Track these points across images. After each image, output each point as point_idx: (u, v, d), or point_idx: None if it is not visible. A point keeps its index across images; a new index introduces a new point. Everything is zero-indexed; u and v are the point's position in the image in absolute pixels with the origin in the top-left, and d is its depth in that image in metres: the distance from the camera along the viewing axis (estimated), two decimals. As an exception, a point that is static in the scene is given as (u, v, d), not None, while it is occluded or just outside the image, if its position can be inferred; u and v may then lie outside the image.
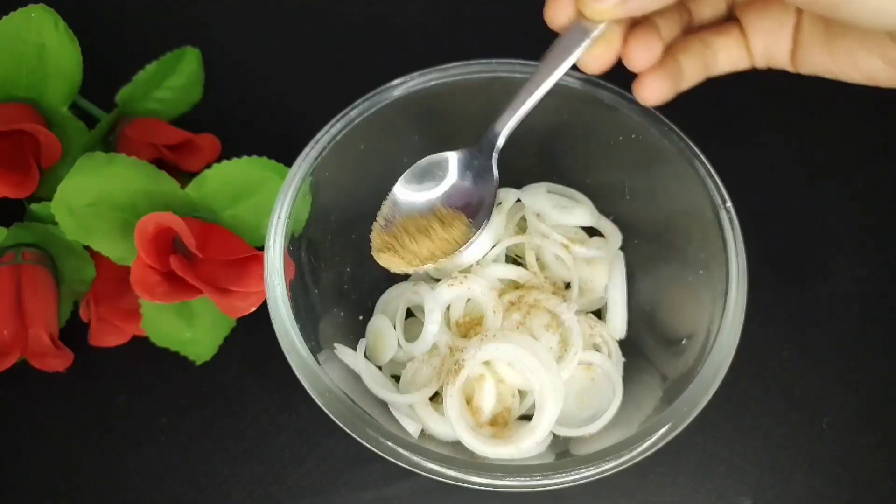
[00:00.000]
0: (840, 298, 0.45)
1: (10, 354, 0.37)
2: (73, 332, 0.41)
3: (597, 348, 0.39)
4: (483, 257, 0.40)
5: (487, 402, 0.36)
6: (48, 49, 0.40)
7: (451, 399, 0.35)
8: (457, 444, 0.35)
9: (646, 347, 0.39)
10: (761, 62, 0.32)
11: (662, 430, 0.31)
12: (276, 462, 0.40)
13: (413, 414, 0.36)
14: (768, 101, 0.51)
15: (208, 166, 0.39)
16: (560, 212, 0.41)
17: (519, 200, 0.42)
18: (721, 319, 0.33)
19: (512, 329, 0.37)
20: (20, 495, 0.40)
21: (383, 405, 0.36)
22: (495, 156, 0.34)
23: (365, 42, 0.54)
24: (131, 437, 0.41)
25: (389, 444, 0.30)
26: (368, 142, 0.37)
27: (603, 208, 0.42)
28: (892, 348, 0.44)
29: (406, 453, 0.30)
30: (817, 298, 0.45)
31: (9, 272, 0.39)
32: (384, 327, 0.39)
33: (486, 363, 0.36)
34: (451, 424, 0.35)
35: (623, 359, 0.39)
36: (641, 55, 0.29)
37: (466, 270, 0.40)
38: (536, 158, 0.42)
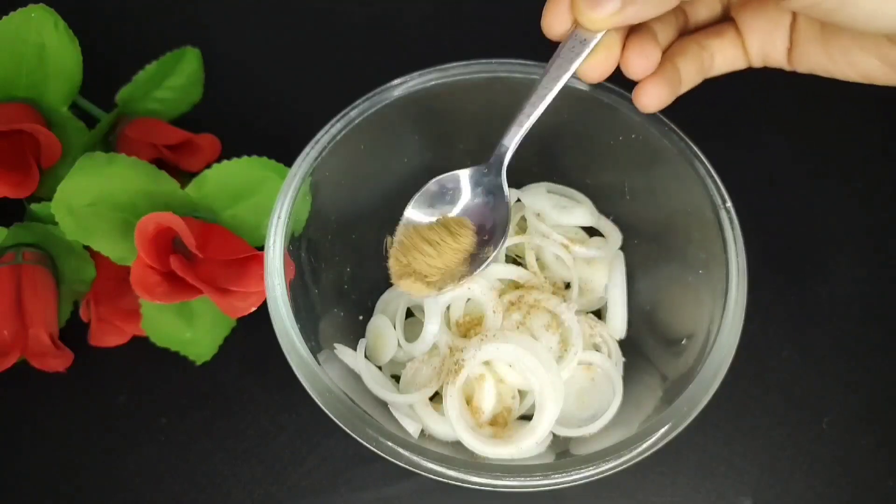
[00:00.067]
0: (840, 298, 0.45)
1: (10, 354, 0.37)
2: (73, 332, 0.41)
3: (597, 348, 0.39)
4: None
5: (487, 402, 0.36)
6: (48, 49, 0.40)
7: (451, 399, 0.35)
8: (457, 444, 0.35)
9: (646, 347, 0.39)
10: (758, 62, 0.32)
11: (662, 430, 0.31)
12: (276, 462, 0.40)
13: (413, 414, 0.36)
14: (768, 102, 0.51)
15: (208, 166, 0.39)
16: (560, 212, 0.41)
17: (519, 200, 0.42)
18: (721, 319, 0.33)
19: (512, 329, 0.37)
20: (20, 495, 0.40)
21: (383, 405, 0.36)
22: (504, 172, 0.34)
23: (365, 42, 0.54)
24: (131, 437, 0.41)
25: (389, 444, 0.30)
26: (368, 142, 0.37)
27: (603, 208, 0.42)
28: (892, 348, 0.44)
29: (406, 453, 0.30)
30: (817, 298, 0.45)
31: (9, 272, 0.39)
32: (384, 327, 0.39)
33: (486, 363, 0.36)
34: (451, 424, 0.35)
35: (623, 359, 0.39)
36: (640, 63, 0.30)
37: (466, 270, 0.40)
38: (536, 158, 0.42)
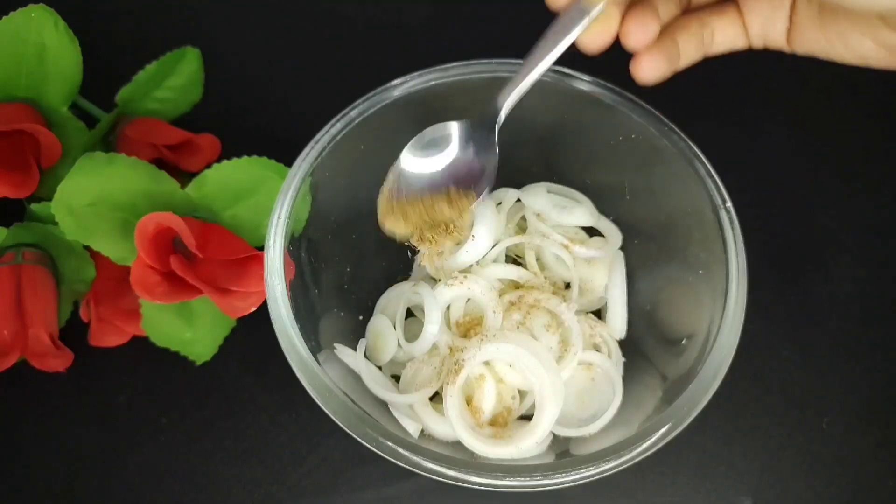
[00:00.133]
0: (840, 298, 0.45)
1: (10, 354, 0.37)
2: (73, 332, 0.41)
3: (597, 348, 0.39)
4: (483, 257, 0.40)
5: (487, 402, 0.36)
6: (48, 49, 0.40)
7: (451, 399, 0.35)
8: (457, 444, 0.35)
9: (646, 347, 0.39)
10: (758, 42, 0.32)
11: (662, 430, 0.31)
12: (276, 462, 0.40)
13: (413, 414, 0.36)
14: (769, 101, 0.51)
15: (208, 166, 0.39)
16: (560, 212, 0.41)
17: (519, 200, 0.42)
18: (721, 319, 0.33)
19: (512, 329, 0.37)
20: (20, 495, 0.40)
21: (383, 405, 0.36)
22: (496, 129, 0.34)
23: (365, 42, 0.54)
24: (131, 437, 0.41)
25: (389, 444, 0.30)
26: (368, 142, 0.38)
27: (603, 208, 0.42)
28: (892, 348, 0.44)
29: (406, 453, 0.30)
30: (817, 298, 0.45)
31: (9, 272, 0.39)
32: (384, 327, 0.39)
33: (486, 363, 0.36)
34: (451, 424, 0.35)
35: (623, 359, 0.39)
36: (638, 34, 0.30)
37: (466, 270, 0.40)
38: (536, 158, 0.42)
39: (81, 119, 0.43)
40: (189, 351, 0.41)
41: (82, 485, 0.40)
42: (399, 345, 0.39)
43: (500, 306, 0.38)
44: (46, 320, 0.39)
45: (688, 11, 0.33)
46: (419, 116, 0.38)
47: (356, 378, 0.36)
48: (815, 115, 0.51)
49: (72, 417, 0.41)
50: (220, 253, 0.37)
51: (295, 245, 0.35)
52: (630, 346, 0.40)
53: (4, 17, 0.39)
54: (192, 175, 0.40)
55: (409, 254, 0.43)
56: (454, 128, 0.35)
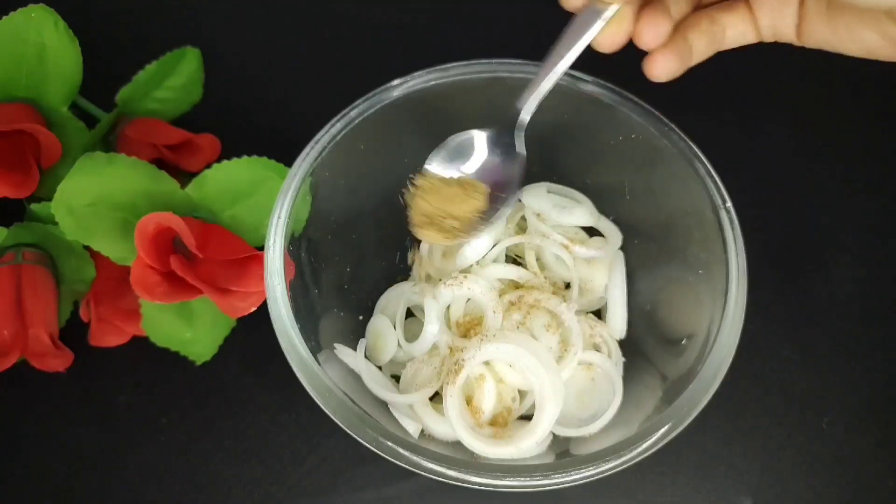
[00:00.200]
0: (840, 298, 0.45)
1: (10, 354, 0.37)
2: (73, 332, 0.41)
3: (597, 348, 0.39)
4: (483, 257, 0.40)
5: (487, 402, 0.36)
6: (48, 49, 0.40)
7: (451, 399, 0.35)
8: (457, 444, 0.35)
9: (646, 347, 0.39)
10: (768, 36, 0.33)
11: (662, 430, 0.31)
12: (276, 462, 0.40)
13: (413, 414, 0.36)
14: (769, 101, 0.51)
15: (208, 166, 0.39)
16: (560, 212, 0.41)
17: (519, 200, 0.42)
18: (721, 319, 0.33)
19: (512, 329, 0.37)
20: (20, 495, 0.40)
21: (383, 405, 0.36)
22: (518, 133, 0.34)
23: (365, 42, 0.54)
24: (131, 437, 0.41)
25: (389, 444, 0.30)
26: (368, 142, 0.38)
27: (603, 208, 0.42)
28: (892, 348, 0.44)
29: (406, 453, 0.30)
30: (817, 298, 0.45)
31: (9, 272, 0.39)
32: (384, 327, 0.39)
33: (486, 363, 0.36)
34: (451, 424, 0.35)
35: (623, 359, 0.39)
36: (651, 33, 0.30)
37: (466, 270, 0.40)
38: (536, 158, 0.42)
39: (81, 119, 0.43)
40: (189, 351, 0.41)
41: (82, 485, 0.40)
42: (399, 345, 0.39)
43: (500, 306, 0.38)
44: (46, 320, 0.39)
45: (698, 8, 0.33)
46: (419, 116, 0.39)
47: (356, 378, 0.36)
48: (815, 115, 0.51)
49: (72, 417, 0.41)
50: (220, 253, 0.37)
51: (295, 245, 0.35)
52: (630, 346, 0.40)
53: (4, 17, 0.39)
54: (192, 175, 0.40)
55: (409, 254, 0.43)
56: (477, 135, 0.35)
